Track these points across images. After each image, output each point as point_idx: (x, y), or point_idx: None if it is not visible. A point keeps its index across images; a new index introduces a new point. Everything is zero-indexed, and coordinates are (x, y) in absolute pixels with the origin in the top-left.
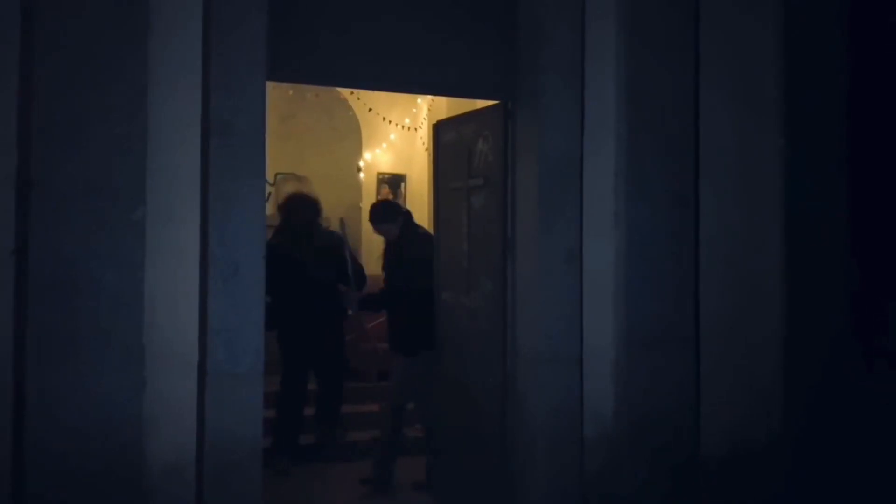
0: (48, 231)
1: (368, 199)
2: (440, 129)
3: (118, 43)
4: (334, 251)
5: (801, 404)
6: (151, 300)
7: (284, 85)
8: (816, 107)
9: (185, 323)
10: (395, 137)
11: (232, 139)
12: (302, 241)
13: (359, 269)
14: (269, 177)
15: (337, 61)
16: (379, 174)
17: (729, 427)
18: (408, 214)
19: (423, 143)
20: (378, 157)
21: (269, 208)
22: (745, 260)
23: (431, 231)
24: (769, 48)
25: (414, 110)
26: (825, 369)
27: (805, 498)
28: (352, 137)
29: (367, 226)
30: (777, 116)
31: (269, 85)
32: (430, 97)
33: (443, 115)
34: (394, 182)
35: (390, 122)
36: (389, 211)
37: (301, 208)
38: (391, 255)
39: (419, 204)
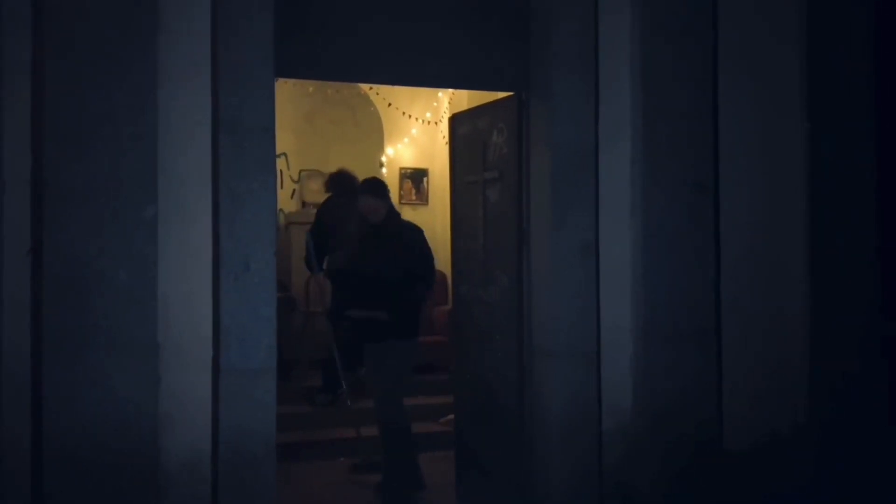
0: (62, 231)
1: (392, 194)
2: (455, 122)
3: (127, 42)
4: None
5: (827, 396)
6: (164, 298)
7: (305, 83)
8: (842, 88)
9: (198, 320)
10: (417, 132)
11: (241, 136)
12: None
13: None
14: (294, 174)
15: (349, 57)
16: (401, 169)
17: (752, 419)
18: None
19: (444, 137)
20: (400, 152)
21: (294, 205)
22: (767, 249)
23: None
24: (792, 29)
25: (435, 104)
26: (851, 360)
27: (830, 491)
28: (374, 133)
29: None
30: (801, 99)
31: (290, 82)
32: (450, 90)
33: (463, 109)
34: (416, 177)
35: (410, 116)
36: (384, 188)
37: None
38: (368, 239)
39: (442, 198)
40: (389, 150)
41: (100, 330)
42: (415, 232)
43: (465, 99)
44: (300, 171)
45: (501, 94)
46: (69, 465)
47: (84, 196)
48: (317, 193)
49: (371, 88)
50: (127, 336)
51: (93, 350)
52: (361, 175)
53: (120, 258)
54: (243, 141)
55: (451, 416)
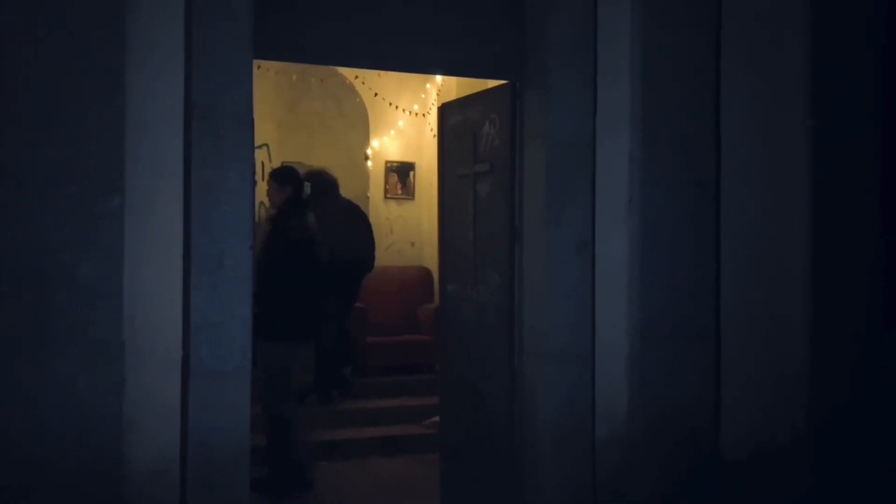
0: (18, 220)
1: (377, 188)
2: (445, 112)
3: (93, 19)
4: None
5: (828, 403)
6: (131, 294)
7: (289, 71)
8: (846, 84)
9: (168, 318)
10: (404, 124)
11: (217, 122)
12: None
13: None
14: (276, 166)
15: (334, 39)
16: (387, 162)
17: (750, 426)
18: (298, 195)
19: (432, 130)
20: (386, 145)
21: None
22: (769, 249)
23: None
24: (796, 21)
25: (423, 96)
26: (853, 365)
27: (830, 500)
28: (359, 124)
29: (374, 213)
30: (804, 95)
31: (272, 71)
32: (438, 81)
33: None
34: (403, 170)
35: (397, 107)
36: (286, 177)
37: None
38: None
39: (429, 193)
40: (375, 143)
41: (60, 328)
42: (296, 231)
43: (453, 90)
44: (282, 163)
45: (492, 84)
46: (24, 474)
47: (44, 184)
48: None
49: (357, 77)
50: (90, 334)
51: (52, 349)
52: (347, 168)
53: (83, 251)
54: (219, 128)
55: (436, 418)
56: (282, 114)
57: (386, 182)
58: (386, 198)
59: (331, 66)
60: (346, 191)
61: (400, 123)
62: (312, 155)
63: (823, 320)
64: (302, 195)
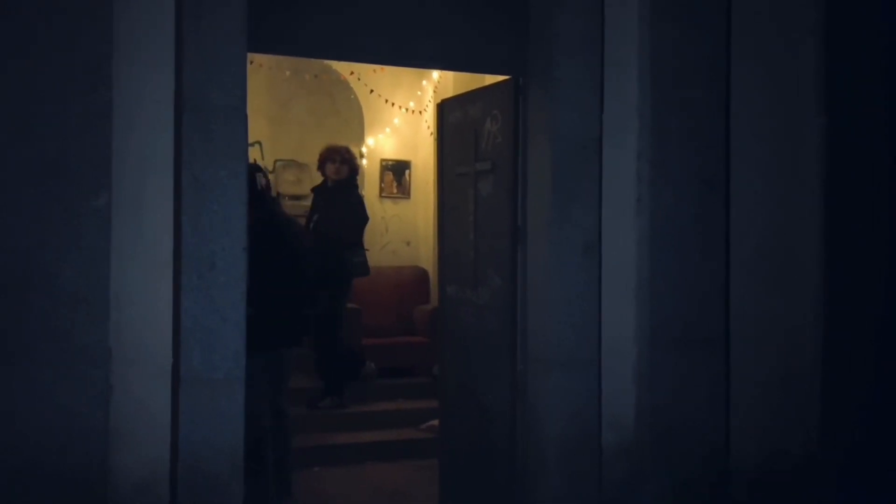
0: None
1: (372, 187)
2: (445, 109)
3: (77, 7)
4: None
5: (842, 412)
6: (117, 297)
7: (282, 66)
8: (860, 81)
9: (157, 323)
10: (400, 122)
11: (208, 117)
12: None
13: None
14: (269, 164)
15: (331, 32)
16: (382, 160)
17: (762, 436)
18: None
19: (429, 128)
20: (381, 143)
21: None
22: (780, 251)
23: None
24: (808, 17)
25: (419, 93)
26: (869, 373)
27: None
28: (354, 122)
29: (370, 212)
30: (817, 93)
31: (265, 67)
32: (435, 78)
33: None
34: (398, 169)
35: (393, 104)
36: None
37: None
38: None
39: (425, 192)
40: (370, 140)
41: (42, 333)
42: (262, 225)
43: (450, 87)
44: (275, 161)
45: (490, 80)
46: (4, 488)
47: (24, 181)
48: (293, 184)
49: (352, 73)
50: (74, 340)
51: (34, 356)
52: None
53: (66, 252)
54: (210, 122)
55: (434, 422)
56: (275, 110)
57: (381, 180)
58: (381, 196)
59: (325, 62)
60: None
61: (395, 121)
62: (306, 153)
63: (837, 325)
64: (256, 188)
